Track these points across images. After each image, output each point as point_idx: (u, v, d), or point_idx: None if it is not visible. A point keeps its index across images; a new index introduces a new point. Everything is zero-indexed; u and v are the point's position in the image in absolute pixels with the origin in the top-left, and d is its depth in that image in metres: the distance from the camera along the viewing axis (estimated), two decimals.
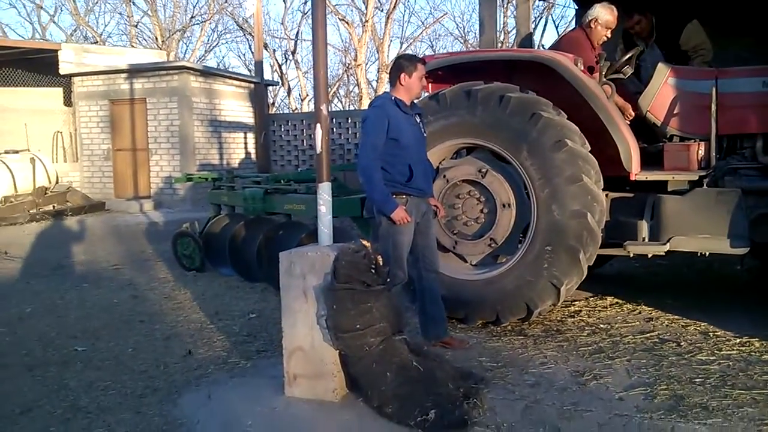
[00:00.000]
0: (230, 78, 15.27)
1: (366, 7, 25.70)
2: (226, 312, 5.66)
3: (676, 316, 4.83)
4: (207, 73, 14.58)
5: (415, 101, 4.28)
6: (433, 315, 4.32)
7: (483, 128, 4.63)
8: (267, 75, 31.56)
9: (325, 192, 3.64)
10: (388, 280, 3.75)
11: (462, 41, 29.27)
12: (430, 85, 5.36)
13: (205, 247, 7.36)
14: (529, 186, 4.52)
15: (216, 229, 7.40)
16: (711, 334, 4.42)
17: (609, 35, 5.22)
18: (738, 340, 4.26)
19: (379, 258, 3.55)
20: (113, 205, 13.74)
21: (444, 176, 4.84)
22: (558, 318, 4.91)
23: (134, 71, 14.06)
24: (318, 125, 3.59)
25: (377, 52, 26.92)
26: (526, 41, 5.85)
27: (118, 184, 14.45)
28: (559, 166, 4.40)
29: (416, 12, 42.74)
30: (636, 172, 4.56)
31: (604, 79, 4.82)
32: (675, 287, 5.85)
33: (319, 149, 3.61)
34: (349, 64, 29.24)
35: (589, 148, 4.49)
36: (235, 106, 15.13)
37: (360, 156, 4.03)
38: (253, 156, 15.36)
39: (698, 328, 4.54)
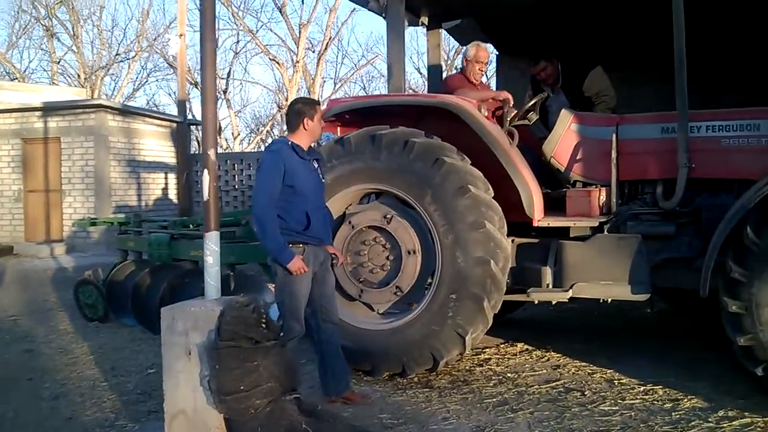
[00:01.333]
0: (151, 117, 14.89)
1: (297, 48, 25.82)
2: (123, 367, 5.31)
3: (583, 363, 4.79)
4: (126, 111, 14.16)
5: (314, 146, 4.17)
6: (333, 369, 4.13)
7: (388, 173, 4.54)
8: (197, 113, 31.33)
9: (212, 242, 3.44)
10: (282, 334, 3.57)
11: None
12: (338, 128, 5.28)
13: (108, 296, 6.95)
14: (434, 232, 4.43)
15: (120, 276, 7.02)
16: (616, 381, 4.38)
17: (483, 69, 5.38)
18: (642, 388, 4.23)
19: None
20: (22, 249, 13.04)
21: (349, 222, 4.72)
22: (466, 367, 4.79)
23: (49, 109, 13.53)
24: (206, 170, 3.41)
25: (309, 92, 26.97)
26: (438, 86, 5.85)
27: (29, 227, 13.75)
28: (462, 213, 4.34)
29: (349, 54, 43.23)
30: (539, 218, 4.55)
31: (508, 126, 4.81)
32: (585, 331, 5.85)
33: (206, 196, 3.43)
34: (281, 104, 29.16)
35: (493, 194, 4.46)
36: (156, 146, 14.72)
37: (254, 203, 3.86)
38: (174, 197, 14.93)
39: (604, 376, 4.51)
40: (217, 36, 27.16)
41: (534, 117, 5.13)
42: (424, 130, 4.63)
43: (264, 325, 3.35)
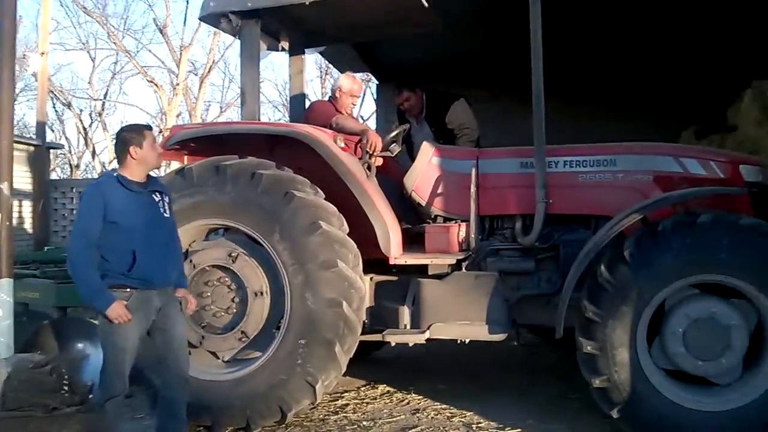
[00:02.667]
0: None
1: (178, 70, 24.92)
2: None
3: (443, 406, 4.57)
4: None
5: (156, 177, 3.74)
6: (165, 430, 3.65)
7: (234, 208, 4.16)
8: (72, 136, 29.51)
9: (3, 291, 2.92)
10: (91, 396, 3.08)
11: (284, 109, 29.07)
12: (185, 158, 4.85)
13: None
14: (282, 272, 4.08)
15: None
16: (474, 426, 4.17)
17: (355, 102, 5.17)
18: None
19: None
20: None
21: (191, 261, 4.28)
22: (320, 416, 4.44)
23: None
24: None
25: (190, 115, 26.05)
26: (299, 114, 5.53)
27: None
28: (312, 251, 4.02)
29: (235, 79, 42.26)
30: (396, 255, 4.30)
31: (367, 158, 4.56)
32: (452, 367, 5.64)
33: None
34: (161, 128, 27.97)
35: (347, 231, 4.17)
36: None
37: (68, 244, 3.38)
38: (29, 227, 13.70)
39: (463, 420, 4.29)
40: (93, 56, 25.76)
41: (396, 149, 4.91)
42: (276, 161, 4.30)
43: (66, 387, 2.86)
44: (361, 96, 5.29)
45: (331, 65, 15.39)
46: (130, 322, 3.39)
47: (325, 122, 4.75)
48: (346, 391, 4.92)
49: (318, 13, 4.72)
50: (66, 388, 2.86)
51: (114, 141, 3.62)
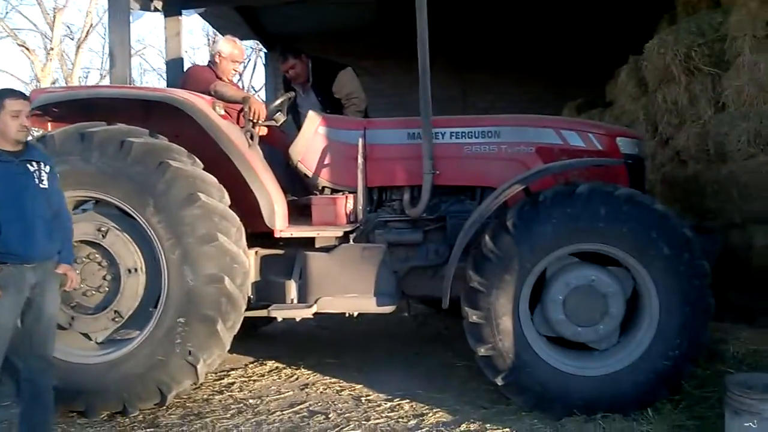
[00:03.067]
0: None
1: (52, 34, 23.22)
2: None
3: (333, 379, 4.50)
4: None
5: (34, 145, 3.39)
6: (34, 421, 3.35)
7: (101, 178, 3.85)
8: None
9: None
10: None
11: None
12: (49, 124, 4.45)
13: None
14: (158, 247, 3.84)
15: None
16: (363, 399, 4.13)
17: (238, 68, 4.95)
18: (389, 404, 4.03)
19: None
20: None
21: None
22: (204, 396, 4.25)
23: None
24: None
25: (66, 82, 24.38)
26: (177, 80, 5.20)
27: None
28: (191, 224, 3.80)
29: None
30: (281, 228, 4.15)
31: (250, 127, 4.35)
32: (340, 341, 5.58)
33: None
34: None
35: (229, 203, 3.98)
36: None
37: None
38: None
39: (352, 393, 4.24)
40: None
41: (281, 118, 4.69)
42: (150, 129, 4.02)
43: None
44: (243, 61, 5.02)
45: (217, 32, 14.87)
46: (4, 299, 3.08)
47: (204, 89, 4.49)
48: (233, 369, 4.75)
49: None
50: None
51: None
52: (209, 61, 4.96)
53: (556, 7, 10.59)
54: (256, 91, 18.98)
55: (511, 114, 4.90)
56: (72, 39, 24.85)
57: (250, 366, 4.86)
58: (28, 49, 23.90)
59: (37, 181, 3.30)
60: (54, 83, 24.49)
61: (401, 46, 12.06)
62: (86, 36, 24.36)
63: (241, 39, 9.03)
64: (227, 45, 4.89)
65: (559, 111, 11.22)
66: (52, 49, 23.39)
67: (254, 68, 24.93)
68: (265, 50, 12.70)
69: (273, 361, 4.92)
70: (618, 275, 3.75)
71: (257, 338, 5.42)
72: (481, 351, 3.72)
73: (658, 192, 6.18)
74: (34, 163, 3.29)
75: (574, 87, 12.21)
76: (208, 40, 25.22)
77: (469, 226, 3.83)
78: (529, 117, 4.85)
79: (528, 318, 3.77)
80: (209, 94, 4.44)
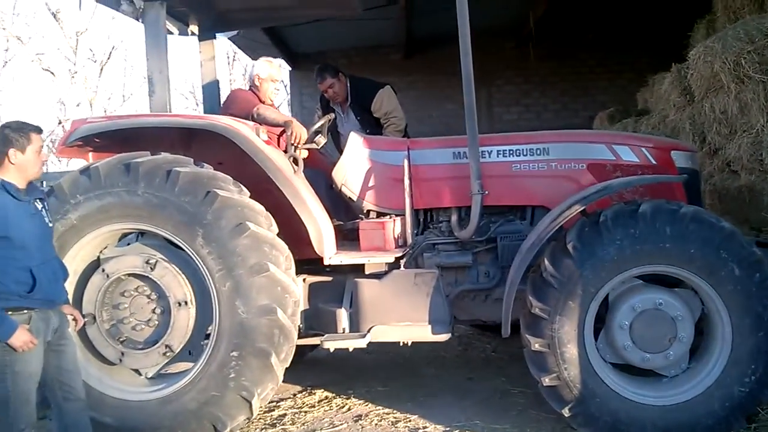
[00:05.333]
0: None
1: (75, 58, 23.54)
2: None
3: (386, 410, 4.35)
4: None
5: (37, 182, 3.31)
6: None
7: (148, 210, 3.78)
8: None
9: None
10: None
11: (192, 96, 27.77)
12: (90, 155, 4.40)
13: None
14: (208, 279, 3.76)
15: None
16: (421, 430, 3.99)
17: (278, 88, 4.90)
18: None
19: None
20: None
21: (104, 270, 3.88)
22: (257, 430, 4.14)
23: None
24: None
25: (91, 105, 24.72)
26: (214, 105, 5.14)
27: None
28: (241, 255, 3.71)
29: (135, 66, 40.28)
30: (330, 255, 4.04)
31: (292, 151, 4.27)
32: (388, 366, 5.42)
33: None
34: (61, 120, 26.31)
35: (277, 231, 3.89)
36: None
37: None
38: None
39: (408, 425, 4.08)
40: None
41: (322, 140, 4.62)
42: (194, 156, 3.95)
43: None
44: (282, 80, 4.96)
45: (239, 50, 14.87)
46: (35, 347, 3.01)
47: (247, 113, 4.43)
48: (282, 400, 4.63)
49: None
50: None
51: None
52: (250, 85, 4.90)
53: (583, 16, 10.46)
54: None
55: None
56: (95, 62, 25.14)
57: (300, 396, 4.73)
58: (52, 72, 24.25)
59: (46, 219, 3.25)
60: (78, 105, 24.82)
61: (425, 62, 12.12)
62: (108, 59, 24.68)
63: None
64: (265, 66, 4.84)
65: (588, 121, 11.09)
66: (76, 72, 23.67)
67: None
68: (289, 68, 12.69)
69: (322, 390, 4.79)
70: (685, 297, 3.60)
71: (302, 365, 5.29)
72: (546, 381, 3.57)
73: (708, 204, 5.99)
74: (38, 201, 3.23)
75: (602, 95, 12.10)
76: (228, 59, 25.40)
77: (527, 249, 3.69)
78: (579, 132, 4.71)
79: (593, 345, 3.62)
80: (251, 119, 4.37)
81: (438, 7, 7.79)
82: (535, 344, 3.57)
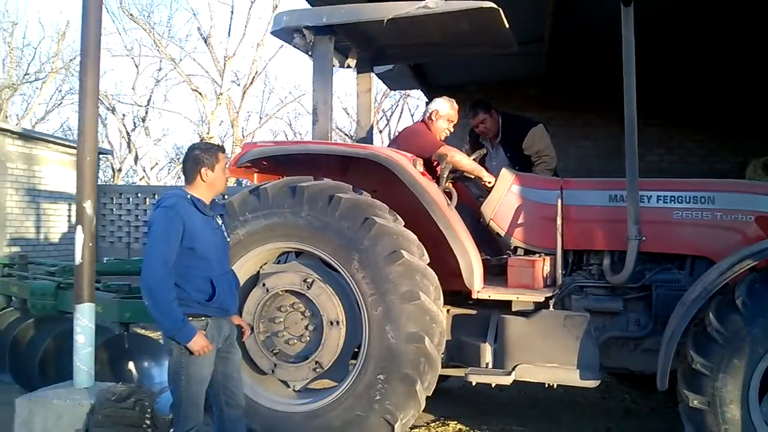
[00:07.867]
0: (55, 143, 13.74)
1: (221, 80, 25.08)
2: None
3: None
4: (27, 136, 13.01)
5: (217, 198, 3.57)
6: None
7: (309, 231, 3.97)
8: (114, 140, 29.83)
9: (84, 316, 2.76)
10: (172, 429, 2.90)
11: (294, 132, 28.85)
12: (255, 176, 4.70)
13: None
14: (360, 302, 3.88)
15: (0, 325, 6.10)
16: None
17: (452, 129, 4.90)
18: None
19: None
20: None
21: (264, 284, 4.10)
22: None
23: None
24: (79, 227, 2.74)
25: (232, 125, 26.22)
26: (367, 134, 5.34)
27: None
28: (394, 281, 3.81)
29: (275, 90, 42.50)
30: (478, 289, 4.06)
31: (446, 184, 4.35)
32: (519, 403, 5.35)
33: (78, 259, 2.75)
34: (203, 137, 28.12)
35: (428, 260, 3.96)
36: (60, 174, 13.58)
37: (145, 271, 3.17)
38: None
39: None
40: (137, 62, 26.09)
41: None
42: (350, 182, 4.12)
43: (148, 422, 2.68)
44: (457, 122, 4.96)
45: (379, 80, 15.35)
46: (209, 352, 3.24)
47: (431, 150, 4.52)
48: (416, 427, 4.67)
49: (393, 32, 4.55)
50: (148, 422, 2.69)
51: (184, 158, 3.45)
52: (425, 118, 4.93)
53: (735, 56, 9.93)
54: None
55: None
56: (238, 85, 26.69)
57: (433, 425, 4.76)
58: (200, 93, 25.97)
59: (226, 234, 3.49)
60: (220, 124, 26.43)
61: (562, 99, 11.94)
62: (251, 83, 26.11)
63: (403, 89, 9.02)
64: (446, 105, 4.86)
65: (737, 168, 10.46)
66: (221, 94, 25.21)
67: (401, 114, 25.54)
68: (426, 100, 12.91)
69: (456, 422, 4.79)
70: None
71: (440, 394, 5.31)
72: None
73: None
74: (220, 217, 3.47)
75: (754, 142, 11.37)
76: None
77: (692, 301, 3.53)
78: (745, 182, 4.49)
79: (757, 407, 3.40)
80: (436, 159, 4.48)
81: (581, 45, 7.71)
82: (694, 401, 3.40)
